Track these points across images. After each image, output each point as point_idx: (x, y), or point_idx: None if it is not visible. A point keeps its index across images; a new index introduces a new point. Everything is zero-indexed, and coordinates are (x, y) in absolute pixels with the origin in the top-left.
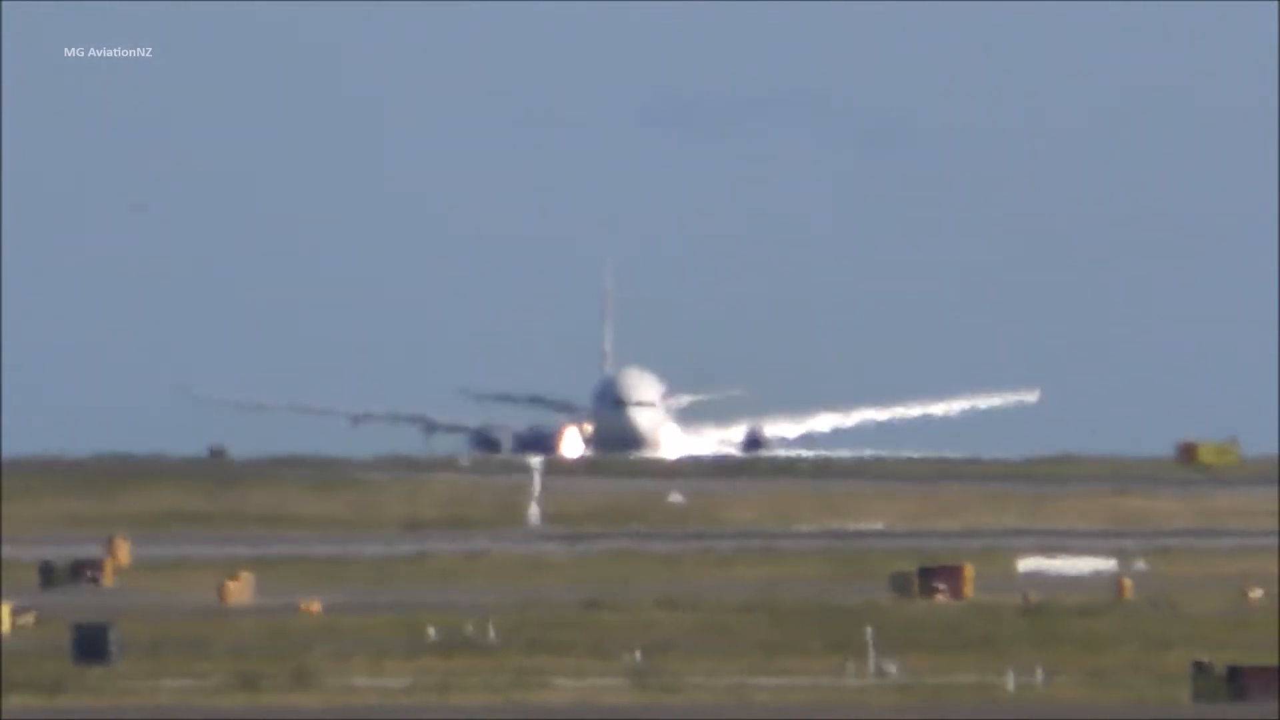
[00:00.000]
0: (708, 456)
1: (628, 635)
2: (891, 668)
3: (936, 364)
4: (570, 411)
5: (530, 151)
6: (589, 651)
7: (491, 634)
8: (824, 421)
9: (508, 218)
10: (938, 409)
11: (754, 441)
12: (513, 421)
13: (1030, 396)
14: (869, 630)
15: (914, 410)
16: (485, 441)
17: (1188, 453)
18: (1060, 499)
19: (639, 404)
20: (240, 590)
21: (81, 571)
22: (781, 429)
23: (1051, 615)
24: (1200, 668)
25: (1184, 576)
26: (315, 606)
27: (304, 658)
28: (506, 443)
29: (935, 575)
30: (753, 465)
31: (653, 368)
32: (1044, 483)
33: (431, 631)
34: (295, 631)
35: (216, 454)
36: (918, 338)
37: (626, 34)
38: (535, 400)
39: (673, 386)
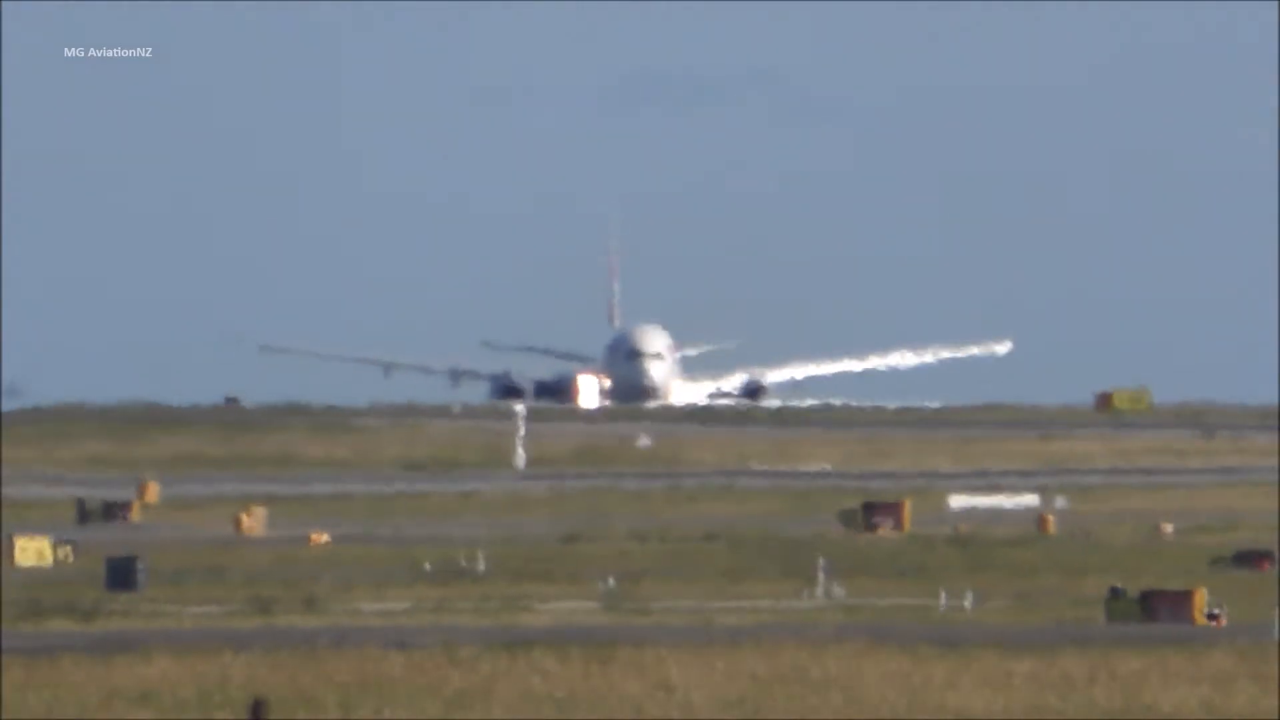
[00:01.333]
0: (713, 404)
1: (602, 565)
2: (839, 591)
3: (915, 317)
4: (584, 362)
5: (526, 126)
6: (567, 579)
7: (481, 564)
8: (817, 369)
9: (519, 190)
10: (914, 359)
11: (754, 389)
12: (531, 371)
13: (1001, 347)
14: (820, 559)
15: (893, 360)
16: (507, 388)
17: (1104, 400)
18: (988, 443)
19: (653, 355)
20: (254, 524)
21: (113, 510)
22: (778, 376)
23: (980, 546)
24: (1115, 592)
25: (1101, 512)
26: (324, 538)
27: (313, 585)
28: (527, 389)
29: (878, 510)
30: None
31: (657, 321)
32: (973, 427)
33: (427, 564)
34: (304, 561)
35: (231, 401)
36: (896, 293)
37: (610, 16)
38: (549, 352)
39: (677, 339)
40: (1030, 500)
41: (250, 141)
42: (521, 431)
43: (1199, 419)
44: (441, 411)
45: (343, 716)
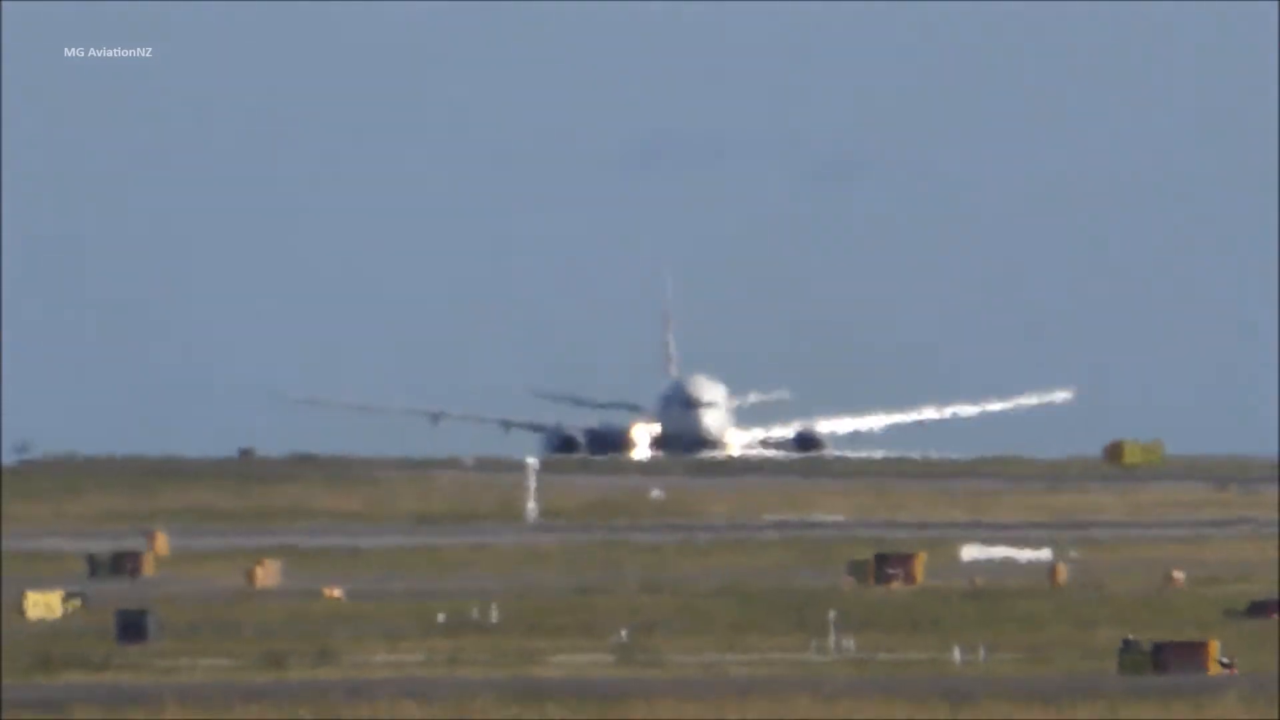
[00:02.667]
0: (767, 454)
1: (615, 617)
2: (850, 644)
3: (957, 369)
4: (637, 411)
5: (564, 179)
6: (580, 632)
7: (494, 616)
8: (870, 421)
9: (569, 241)
10: (973, 409)
11: (807, 439)
12: (582, 421)
13: (1061, 396)
14: (831, 613)
15: (954, 410)
16: (560, 439)
17: (1114, 452)
18: (1001, 495)
19: (707, 404)
20: (267, 577)
21: (123, 562)
22: (830, 426)
23: (993, 599)
24: (1127, 644)
25: (1112, 563)
26: (336, 592)
27: (326, 639)
28: (580, 440)
29: (890, 562)
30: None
31: (711, 372)
32: (985, 479)
33: (441, 616)
34: (318, 615)
35: (245, 454)
36: (935, 345)
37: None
38: (598, 404)
39: (732, 389)
40: (1043, 553)
41: (257, 148)
42: (533, 484)
43: (1211, 471)
44: (453, 463)
45: None
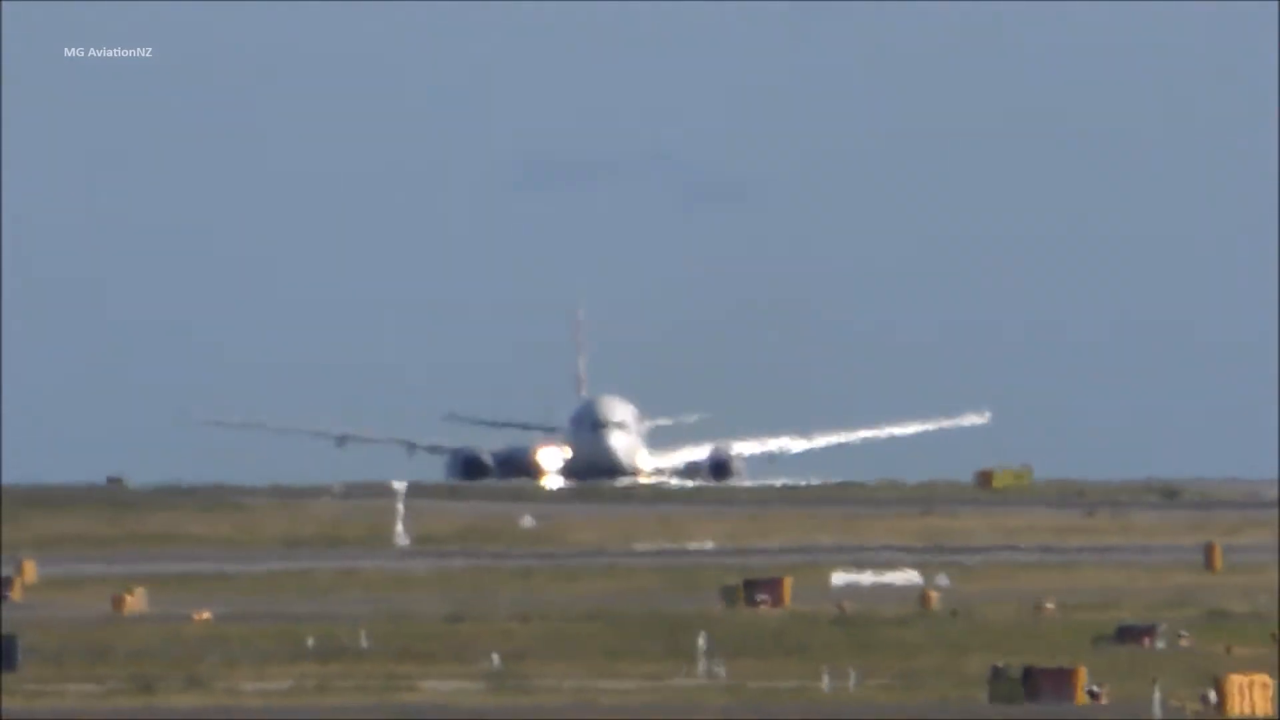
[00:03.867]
0: (676, 483)
1: (486, 643)
2: (720, 670)
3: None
4: (550, 433)
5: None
6: (452, 658)
7: (364, 642)
8: (785, 444)
9: (485, 262)
10: (880, 433)
11: (720, 461)
12: (489, 445)
13: (980, 419)
14: (700, 637)
15: (869, 433)
16: (467, 461)
17: (985, 478)
18: (871, 519)
19: (616, 426)
20: (136, 603)
21: None
22: (745, 448)
23: (863, 624)
24: (997, 671)
25: (983, 589)
26: (205, 616)
27: (196, 664)
28: (488, 462)
29: (759, 587)
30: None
31: (622, 393)
32: (856, 504)
33: (310, 641)
34: (187, 639)
35: (114, 482)
36: (848, 366)
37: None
38: (515, 425)
39: (643, 411)
40: (913, 576)
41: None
42: (401, 510)
43: (1079, 496)
44: (323, 490)
45: None
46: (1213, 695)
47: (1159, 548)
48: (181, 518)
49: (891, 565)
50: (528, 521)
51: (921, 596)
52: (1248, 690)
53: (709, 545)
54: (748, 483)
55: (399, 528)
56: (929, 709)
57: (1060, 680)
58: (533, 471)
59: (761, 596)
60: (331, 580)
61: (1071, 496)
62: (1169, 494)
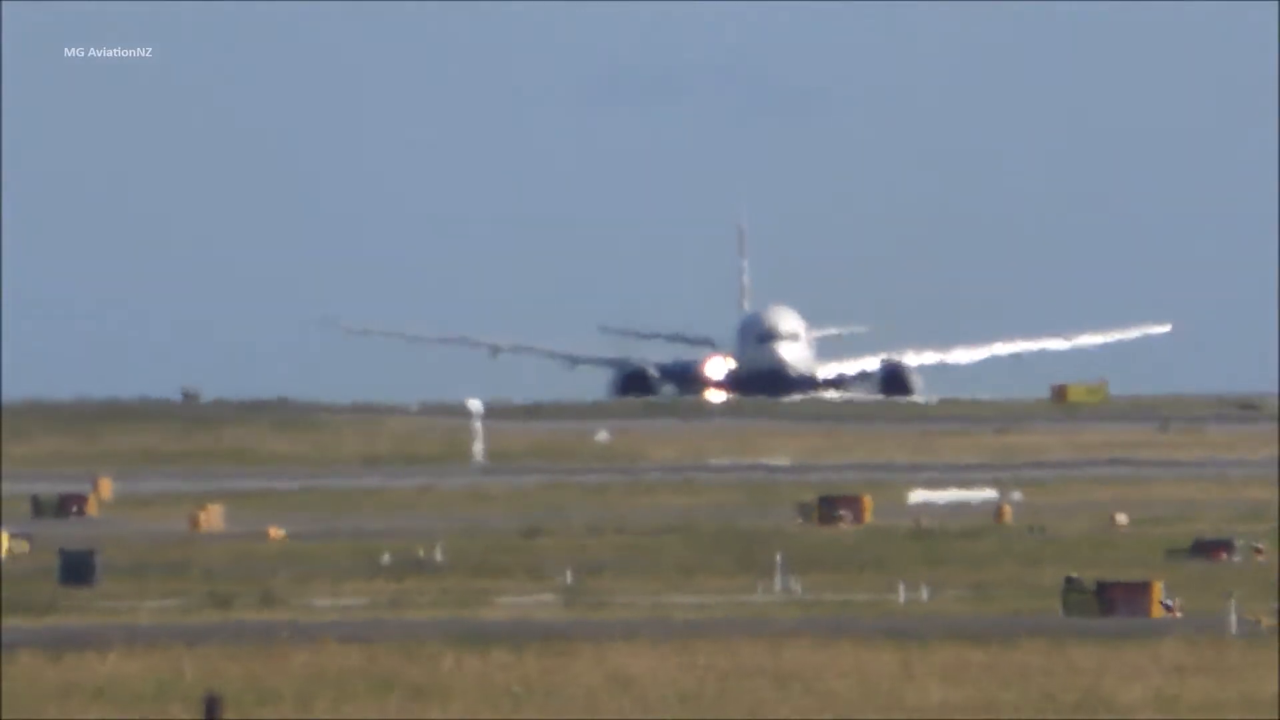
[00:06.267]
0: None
1: (561, 558)
2: (796, 585)
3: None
4: (711, 346)
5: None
6: (526, 573)
7: (439, 558)
8: (959, 355)
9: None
10: (1063, 344)
11: (892, 371)
12: (654, 356)
13: (1161, 329)
14: (777, 554)
15: (1043, 343)
16: (630, 374)
17: (1060, 394)
18: (946, 436)
19: (787, 336)
20: (211, 520)
21: (68, 504)
22: (917, 359)
23: (938, 539)
24: (1071, 583)
25: (1057, 504)
26: (281, 534)
27: (270, 580)
28: (653, 375)
29: (836, 504)
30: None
31: (789, 302)
32: (932, 421)
33: (386, 557)
34: (262, 557)
35: (189, 397)
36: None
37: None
38: (675, 337)
39: (811, 322)
40: (988, 494)
41: (255, 142)
42: (479, 428)
43: (1154, 411)
44: (400, 408)
45: (299, 714)
46: None
47: (1234, 462)
48: (257, 434)
49: (968, 481)
50: (603, 437)
51: (996, 512)
52: None
53: (785, 461)
54: (926, 398)
55: (476, 445)
56: (1002, 620)
57: (1134, 593)
58: (700, 385)
59: (839, 513)
60: (406, 497)
61: (1146, 411)
62: (1246, 408)
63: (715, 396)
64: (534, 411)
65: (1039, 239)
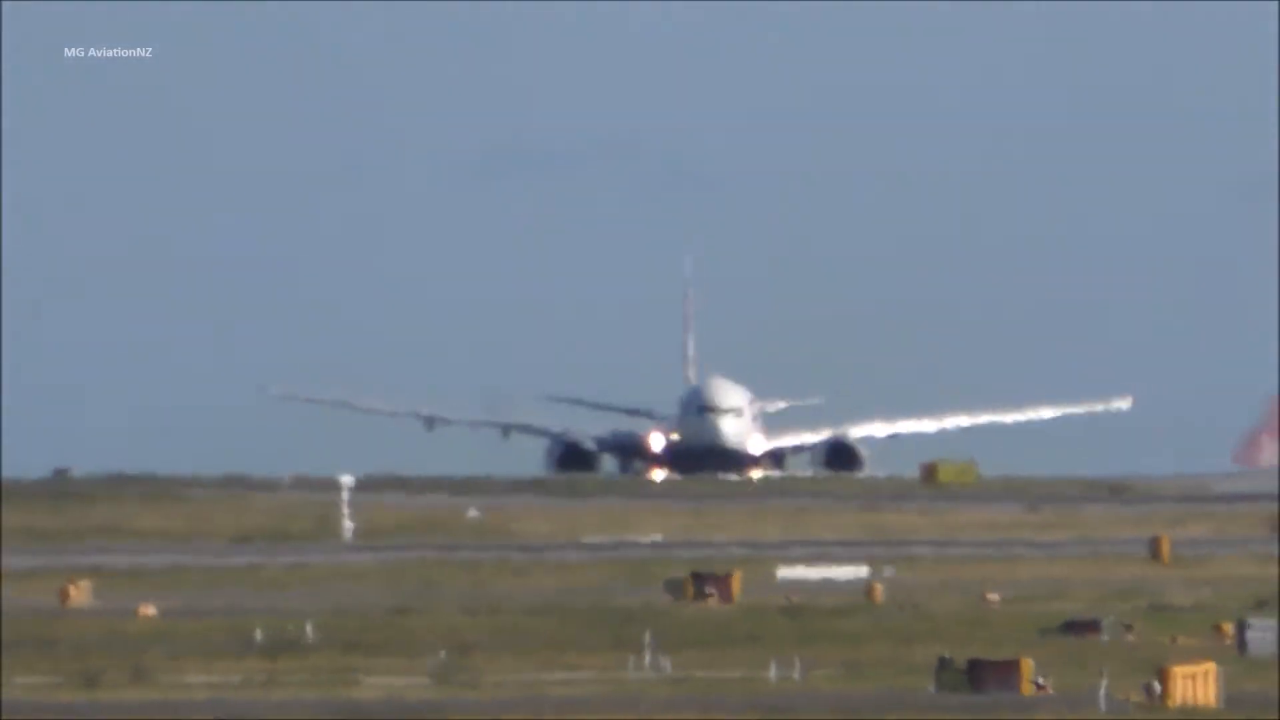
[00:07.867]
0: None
1: (433, 637)
2: (666, 663)
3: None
4: (653, 419)
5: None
6: (398, 651)
7: (310, 636)
8: (906, 426)
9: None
10: (1020, 416)
11: (838, 446)
12: (592, 428)
13: (1123, 404)
14: (647, 631)
15: (1004, 417)
16: (567, 446)
17: (929, 472)
18: (817, 514)
19: (726, 410)
20: (80, 596)
21: None
22: (863, 432)
23: (810, 616)
24: (943, 662)
25: (929, 583)
26: (150, 610)
27: (141, 657)
28: (591, 448)
29: (706, 581)
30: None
31: (735, 376)
32: (803, 498)
33: (258, 634)
34: (132, 634)
35: (60, 473)
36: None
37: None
38: (619, 409)
39: (757, 394)
40: (859, 570)
41: (251, 146)
42: (346, 503)
43: (1024, 492)
44: (271, 484)
45: None
46: (1156, 686)
47: (1104, 541)
48: (126, 510)
49: (838, 560)
50: (474, 514)
51: (867, 589)
52: (1191, 681)
53: (657, 538)
54: (873, 473)
55: (346, 521)
56: (875, 697)
57: (1006, 671)
58: (640, 457)
59: (709, 590)
60: (278, 575)
61: (1016, 492)
62: (1116, 490)
63: (657, 475)
64: (406, 485)
65: (986, 313)
